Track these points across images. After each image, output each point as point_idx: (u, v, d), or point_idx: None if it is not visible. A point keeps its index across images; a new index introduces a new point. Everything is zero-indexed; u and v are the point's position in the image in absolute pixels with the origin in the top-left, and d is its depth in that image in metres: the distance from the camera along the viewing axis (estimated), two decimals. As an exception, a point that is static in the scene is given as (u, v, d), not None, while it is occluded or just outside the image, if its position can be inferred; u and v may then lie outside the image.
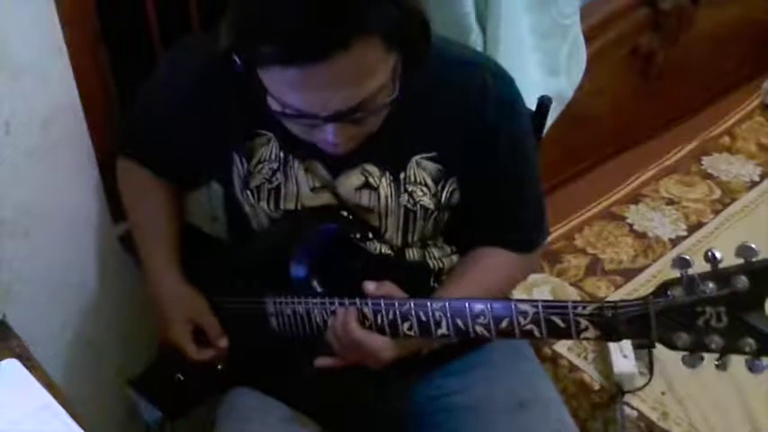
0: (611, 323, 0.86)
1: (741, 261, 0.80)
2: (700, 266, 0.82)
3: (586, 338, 0.90)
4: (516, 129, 1.05)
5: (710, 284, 0.81)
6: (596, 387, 1.44)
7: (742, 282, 0.79)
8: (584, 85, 1.69)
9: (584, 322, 0.87)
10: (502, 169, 1.05)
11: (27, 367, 0.90)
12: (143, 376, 1.24)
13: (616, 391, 1.40)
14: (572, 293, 1.65)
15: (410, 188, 1.03)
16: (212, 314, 1.14)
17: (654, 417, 1.37)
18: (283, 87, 0.85)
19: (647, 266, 1.73)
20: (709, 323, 0.82)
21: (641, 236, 1.82)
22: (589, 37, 1.72)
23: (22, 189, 1.22)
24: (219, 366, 1.15)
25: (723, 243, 1.79)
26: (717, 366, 0.84)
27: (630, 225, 1.86)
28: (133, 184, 1.22)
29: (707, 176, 2.04)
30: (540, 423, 1.09)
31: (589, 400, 1.46)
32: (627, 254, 1.77)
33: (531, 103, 1.16)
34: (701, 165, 2.09)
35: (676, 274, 0.83)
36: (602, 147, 2.07)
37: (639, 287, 1.67)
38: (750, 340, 0.81)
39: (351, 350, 0.99)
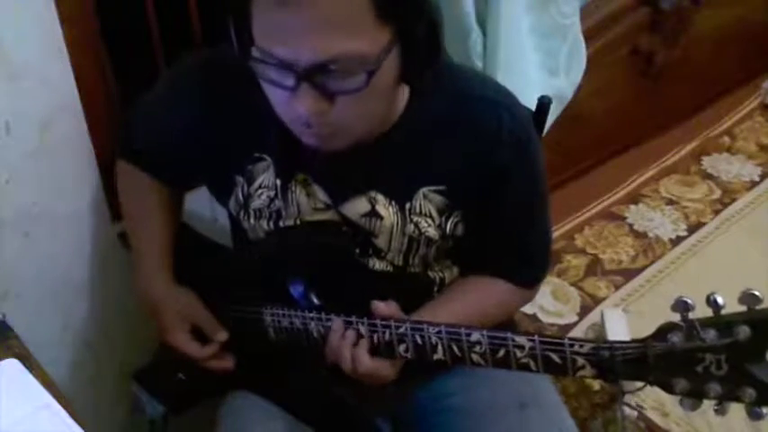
0: (608, 363, 0.85)
1: (744, 308, 0.77)
2: (701, 309, 0.79)
3: (583, 377, 0.89)
4: (529, 169, 1.03)
5: (711, 332, 0.78)
6: (596, 387, 1.44)
7: (744, 331, 0.77)
8: (584, 85, 1.69)
9: (580, 360, 0.86)
10: (512, 208, 1.04)
11: (27, 367, 0.90)
12: (146, 371, 1.24)
13: (616, 391, 1.40)
14: (572, 293, 1.65)
15: (415, 219, 1.01)
16: (207, 310, 1.13)
17: (654, 417, 1.37)
18: (263, 25, 0.82)
19: (647, 266, 1.73)
20: (708, 370, 0.80)
21: (641, 236, 1.83)
22: (589, 37, 1.72)
23: (22, 189, 1.22)
24: None
25: (723, 243, 1.80)
26: (716, 411, 0.83)
27: (630, 225, 1.87)
28: (130, 186, 1.21)
29: (707, 176, 2.04)
30: (540, 424, 1.08)
31: (589, 400, 1.45)
32: (627, 254, 1.77)
33: (531, 103, 1.16)
34: (701, 165, 2.09)
35: (676, 317, 0.81)
36: (602, 147, 2.07)
37: (639, 287, 1.67)
38: (750, 390, 0.79)
39: (363, 377, 0.99)
